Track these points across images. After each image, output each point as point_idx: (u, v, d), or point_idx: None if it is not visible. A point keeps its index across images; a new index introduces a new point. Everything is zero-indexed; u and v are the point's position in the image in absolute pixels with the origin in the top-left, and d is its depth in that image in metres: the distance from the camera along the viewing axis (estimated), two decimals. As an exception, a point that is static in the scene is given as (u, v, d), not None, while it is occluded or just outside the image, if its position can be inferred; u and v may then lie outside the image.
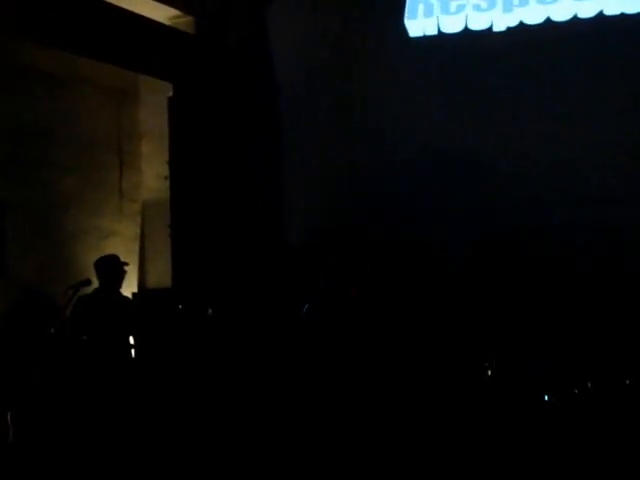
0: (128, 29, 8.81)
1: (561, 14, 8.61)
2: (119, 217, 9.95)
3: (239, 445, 6.20)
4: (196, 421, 6.65)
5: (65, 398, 6.75)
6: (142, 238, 10.14)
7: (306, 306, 6.43)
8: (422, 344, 6.62)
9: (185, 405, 6.87)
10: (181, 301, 8.66)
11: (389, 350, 6.21)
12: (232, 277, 8.86)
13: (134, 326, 7.80)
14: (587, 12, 8.52)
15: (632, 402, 6.42)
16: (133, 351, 7.84)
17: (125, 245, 9.82)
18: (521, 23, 8.76)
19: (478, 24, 8.92)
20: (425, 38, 9.12)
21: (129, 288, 8.93)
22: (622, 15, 8.41)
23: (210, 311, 8.13)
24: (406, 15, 9.19)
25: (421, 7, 9.15)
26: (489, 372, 6.79)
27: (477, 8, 8.93)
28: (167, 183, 9.75)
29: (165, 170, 9.79)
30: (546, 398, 6.59)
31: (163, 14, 9.58)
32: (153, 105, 9.97)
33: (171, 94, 9.69)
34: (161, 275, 9.84)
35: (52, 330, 6.97)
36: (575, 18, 8.57)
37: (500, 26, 8.84)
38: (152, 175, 10.13)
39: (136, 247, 10.07)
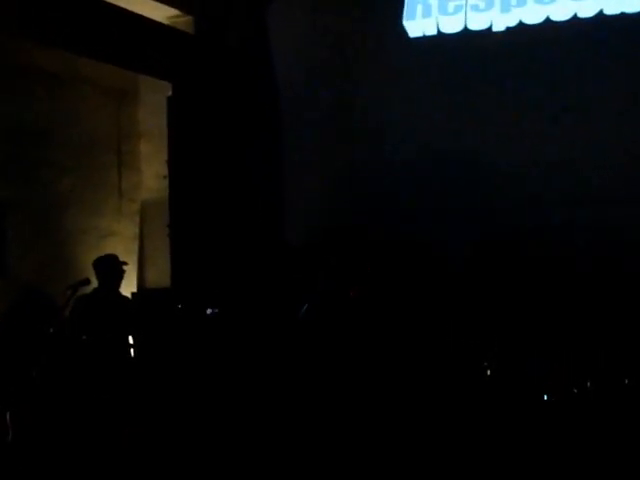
0: (128, 29, 8.81)
1: (561, 14, 8.61)
2: (118, 217, 9.96)
3: (239, 445, 6.19)
4: (196, 421, 6.65)
5: (65, 398, 6.75)
6: (141, 238, 10.15)
7: (304, 306, 6.43)
8: (422, 344, 6.61)
9: (185, 405, 6.87)
10: (180, 301, 8.65)
11: (389, 350, 6.21)
12: (232, 277, 8.85)
13: (133, 326, 7.80)
14: (587, 12, 8.52)
15: (632, 402, 6.42)
16: (132, 351, 7.84)
17: (124, 245, 9.83)
18: (520, 23, 8.75)
19: (477, 24, 8.92)
20: (425, 38, 9.12)
21: (128, 288, 8.92)
22: (622, 15, 8.40)
23: (215, 310, 8.11)
24: (404, 16, 9.19)
25: (419, 8, 9.15)
26: (489, 372, 6.79)
27: (475, 8, 8.93)
28: (166, 183, 9.75)
29: (164, 170, 9.80)
30: (546, 398, 6.59)
31: (163, 14, 9.59)
32: (152, 105, 9.97)
33: (170, 94, 9.69)
34: (160, 275, 9.84)
35: (51, 330, 6.98)
36: (575, 18, 8.56)
37: (499, 26, 8.84)
38: (151, 175, 10.14)
39: (135, 247, 10.08)
